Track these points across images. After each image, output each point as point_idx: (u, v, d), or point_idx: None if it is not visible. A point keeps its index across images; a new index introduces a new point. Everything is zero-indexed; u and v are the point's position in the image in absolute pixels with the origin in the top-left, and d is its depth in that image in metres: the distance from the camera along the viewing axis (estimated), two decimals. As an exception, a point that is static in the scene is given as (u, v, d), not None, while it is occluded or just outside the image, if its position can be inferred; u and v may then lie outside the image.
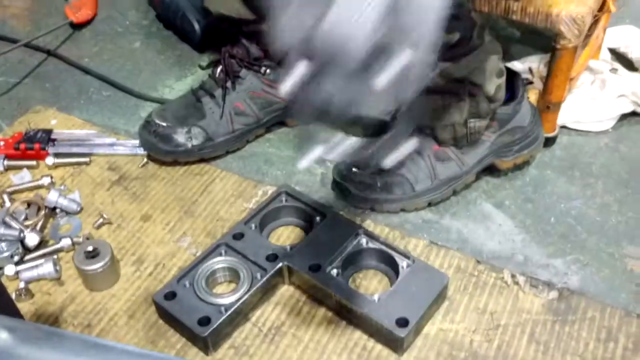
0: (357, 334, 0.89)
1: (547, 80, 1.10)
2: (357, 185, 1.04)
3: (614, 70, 1.26)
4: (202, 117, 1.13)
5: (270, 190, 1.09)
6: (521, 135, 1.09)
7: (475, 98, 1.00)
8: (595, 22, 1.18)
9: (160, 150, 1.12)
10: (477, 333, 0.89)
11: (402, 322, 0.85)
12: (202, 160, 1.15)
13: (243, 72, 1.14)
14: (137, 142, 1.17)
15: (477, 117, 1.01)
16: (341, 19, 0.59)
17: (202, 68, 1.35)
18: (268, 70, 1.15)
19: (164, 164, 1.14)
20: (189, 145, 1.12)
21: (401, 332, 0.84)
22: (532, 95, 1.16)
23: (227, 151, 1.16)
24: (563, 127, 1.19)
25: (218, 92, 1.14)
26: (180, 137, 1.11)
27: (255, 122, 1.17)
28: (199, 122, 1.13)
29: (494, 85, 0.99)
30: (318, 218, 1.00)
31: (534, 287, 0.94)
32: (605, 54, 1.30)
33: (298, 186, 1.09)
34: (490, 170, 1.11)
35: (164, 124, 1.11)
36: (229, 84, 1.14)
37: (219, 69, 1.15)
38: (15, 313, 0.75)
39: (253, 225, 0.99)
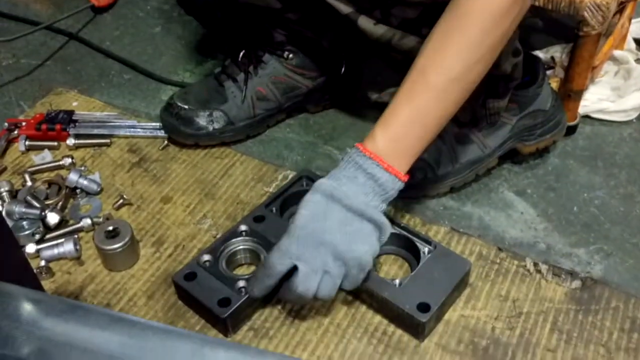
0: (378, 318, 0.88)
1: (568, 67, 1.09)
2: None
3: (639, 60, 1.24)
4: (224, 101, 1.13)
5: (291, 174, 1.08)
6: (543, 119, 1.07)
7: (492, 77, 0.99)
8: (621, 10, 1.16)
9: (182, 133, 1.12)
10: (499, 320, 0.88)
11: (424, 308, 0.84)
12: (223, 144, 1.15)
13: (266, 56, 1.14)
14: (157, 124, 1.17)
15: (496, 97, 1.00)
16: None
17: (225, 53, 1.34)
18: (291, 55, 1.14)
19: (184, 146, 1.14)
20: (210, 128, 1.11)
21: (422, 317, 0.83)
22: (554, 84, 1.14)
23: (247, 135, 1.16)
24: (586, 116, 1.18)
25: (240, 77, 1.13)
26: (202, 120, 1.11)
27: (277, 107, 1.16)
28: (220, 106, 1.12)
29: (510, 64, 0.98)
30: (339, 203, 0.99)
31: (557, 276, 0.93)
32: (631, 44, 1.28)
33: (318, 171, 1.08)
34: (512, 156, 1.09)
35: (186, 107, 1.11)
36: (251, 69, 1.13)
37: (241, 54, 1.14)
38: (38, 288, 0.75)
39: (274, 209, 0.98)
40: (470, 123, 1.02)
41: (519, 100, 1.03)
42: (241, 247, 0.94)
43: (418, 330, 0.85)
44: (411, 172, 1.01)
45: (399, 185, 0.83)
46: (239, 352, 0.54)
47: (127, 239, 0.93)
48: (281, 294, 0.85)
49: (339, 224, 0.81)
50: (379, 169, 0.81)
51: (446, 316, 0.88)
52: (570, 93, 1.10)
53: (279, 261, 0.81)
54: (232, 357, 0.53)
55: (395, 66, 0.96)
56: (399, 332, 0.87)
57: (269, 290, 0.84)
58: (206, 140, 1.13)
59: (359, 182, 0.82)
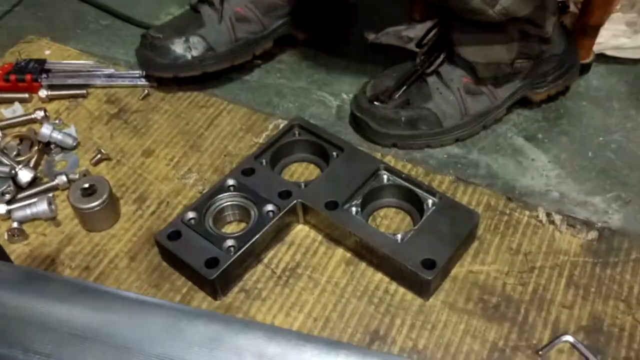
0: (378, 276, 0.82)
1: (586, 0, 1.00)
2: (379, 120, 0.95)
3: (657, -8, 1.14)
4: (201, 26, 1.04)
5: (282, 123, 1.00)
6: (556, 64, 0.99)
7: (529, 38, 0.91)
8: None
9: (158, 65, 1.03)
10: (510, 276, 0.81)
11: (429, 264, 0.78)
12: (207, 87, 1.06)
13: None
14: (137, 72, 1.08)
15: (526, 58, 0.92)
16: None
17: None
18: None
19: (167, 94, 1.06)
20: (189, 56, 1.03)
21: (428, 275, 0.77)
22: (568, 21, 1.05)
23: (232, 65, 1.07)
24: (599, 54, 1.09)
25: (217, 0, 1.04)
26: (178, 47, 1.02)
27: (260, 30, 1.07)
28: (197, 30, 1.03)
29: (551, 24, 0.90)
30: (335, 153, 0.91)
31: (572, 227, 0.86)
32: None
33: (312, 119, 1.01)
34: (522, 102, 1.01)
35: (160, 35, 1.03)
36: None
37: None
38: (2, 256, 0.67)
39: (264, 161, 0.91)
40: (488, 80, 0.94)
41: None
42: (229, 203, 0.86)
43: (423, 289, 0.78)
44: (415, 122, 0.94)
45: None
46: (221, 325, 0.47)
47: (104, 197, 0.86)
48: None
49: None
50: None
51: (453, 272, 0.82)
52: (586, 28, 1.02)
53: None
54: (214, 331, 0.46)
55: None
56: (402, 290, 0.80)
57: None
58: (186, 71, 1.04)
59: None
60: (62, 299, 0.48)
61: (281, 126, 0.98)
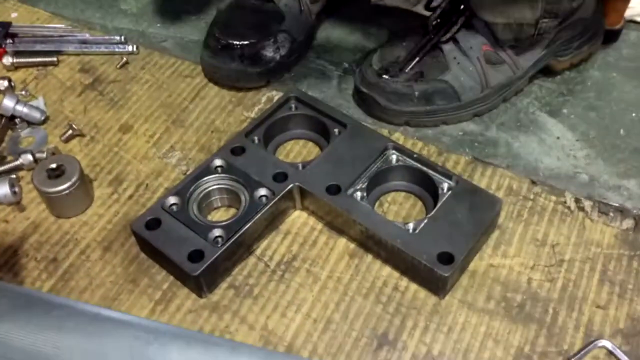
0: (387, 270, 0.72)
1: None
2: (389, 95, 0.84)
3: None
4: (282, 20, 0.92)
5: (277, 95, 0.90)
6: (582, 29, 0.89)
7: None
8: None
9: (252, 76, 0.91)
10: (535, 270, 0.72)
11: (446, 258, 0.68)
12: (192, 54, 0.96)
13: None
14: (114, 37, 0.98)
15: (553, 17, 0.82)
16: None
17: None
18: None
19: (147, 63, 0.95)
20: (277, 57, 0.91)
21: (445, 271, 0.67)
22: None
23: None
24: (630, 21, 0.99)
25: None
26: (268, 51, 0.90)
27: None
28: (280, 25, 0.92)
29: None
30: (336, 130, 0.81)
31: (604, 214, 0.76)
32: None
33: (310, 91, 0.90)
34: (543, 71, 0.91)
35: (246, 42, 0.89)
36: None
37: None
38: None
39: (256, 138, 0.80)
40: (508, 42, 0.83)
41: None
42: (216, 186, 0.76)
43: (438, 286, 0.69)
44: (430, 96, 0.83)
45: None
46: (201, 350, 0.37)
47: (74, 179, 0.75)
48: None
49: None
50: None
51: (471, 266, 0.72)
52: (621, -11, 0.91)
53: None
54: (191, 359, 0.36)
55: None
56: (414, 287, 0.71)
57: None
58: (277, 73, 0.93)
59: None
60: (1, 315, 0.38)
61: (275, 99, 0.88)
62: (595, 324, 0.67)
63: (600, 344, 0.66)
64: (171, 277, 0.72)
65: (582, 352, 0.65)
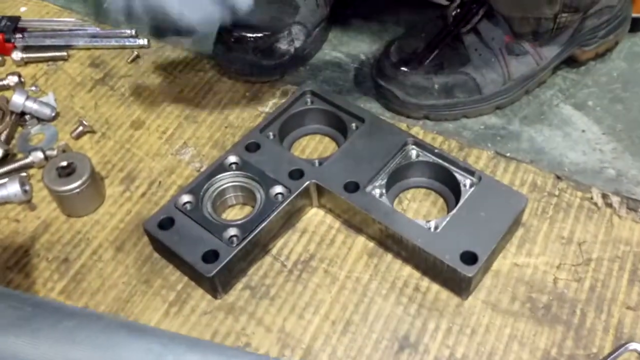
0: (407, 270, 0.70)
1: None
2: (408, 88, 0.82)
3: None
4: (296, 11, 0.90)
5: (292, 89, 0.88)
6: (609, 17, 0.86)
7: None
8: None
9: (266, 69, 0.89)
10: (562, 270, 0.69)
11: (469, 258, 0.65)
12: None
13: None
14: (126, 31, 0.96)
15: (573, 11, 0.78)
16: None
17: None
18: None
19: (158, 57, 0.93)
20: (292, 50, 0.89)
21: (468, 271, 0.64)
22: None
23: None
24: (657, 9, 0.95)
25: None
26: (282, 44, 0.88)
27: None
28: (294, 17, 0.89)
29: None
30: (354, 124, 0.78)
31: (633, 211, 0.73)
32: None
33: (325, 85, 0.88)
34: (566, 62, 0.88)
35: (260, 35, 0.87)
36: None
37: None
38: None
39: (271, 134, 0.78)
40: (527, 35, 0.81)
41: None
42: (231, 184, 0.74)
43: (461, 286, 0.66)
44: (450, 89, 0.80)
45: None
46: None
47: (85, 177, 0.73)
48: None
49: None
50: None
51: (495, 265, 0.69)
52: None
53: None
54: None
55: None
56: (436, 287, 0.68)
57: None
58: (291, 66, 0.91)
59: None
60: (4, 328, 0.36)
61: (290, 93, 0.86)
62: (625, 326, 0.65)
63: (631, 347, 0.63)
64: (185, 278, 0.70)
65: (612, 356, 0.63)
